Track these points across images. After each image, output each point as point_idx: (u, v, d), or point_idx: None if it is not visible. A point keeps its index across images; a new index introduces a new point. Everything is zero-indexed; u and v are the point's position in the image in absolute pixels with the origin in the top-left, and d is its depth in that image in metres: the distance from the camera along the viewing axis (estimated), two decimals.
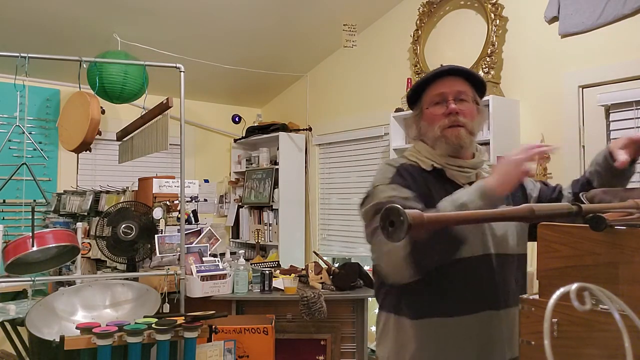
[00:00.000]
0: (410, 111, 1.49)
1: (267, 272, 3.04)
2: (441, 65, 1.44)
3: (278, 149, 4.61)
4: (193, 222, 3.30)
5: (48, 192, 4.08)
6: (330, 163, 4.62)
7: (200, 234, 3.19)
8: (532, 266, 3.00)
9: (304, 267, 3.35)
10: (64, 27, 3.56)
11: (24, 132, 2.81)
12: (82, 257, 3.26)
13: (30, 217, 2.52)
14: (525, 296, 2.07)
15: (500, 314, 1.32)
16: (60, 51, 3.04)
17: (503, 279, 1.34)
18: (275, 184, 4.59)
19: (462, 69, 1.40)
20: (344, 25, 3.85)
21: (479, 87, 1.43)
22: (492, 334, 1.31)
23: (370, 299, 2.99)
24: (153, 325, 2.07)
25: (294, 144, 4.67)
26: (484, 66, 3.14)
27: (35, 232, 2.48)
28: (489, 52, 3.14)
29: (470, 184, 1.32)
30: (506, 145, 2.98)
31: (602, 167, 1.38)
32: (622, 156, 1.28)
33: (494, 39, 3.14)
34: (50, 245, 2.55)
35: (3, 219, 3.97)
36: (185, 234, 2.91)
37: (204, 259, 3.01)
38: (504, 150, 2.95)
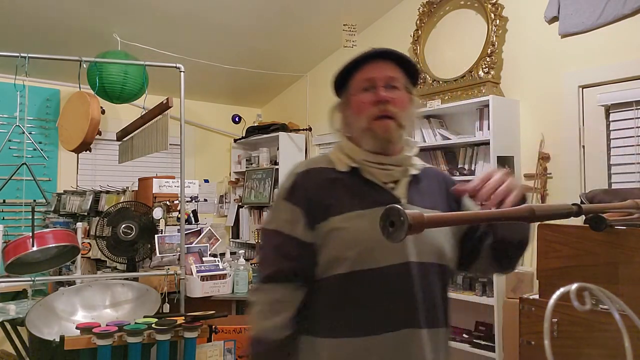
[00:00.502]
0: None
1: None
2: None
3: (278, 149, 4.61)
4: (193, 222, 3.30)
5: (48, 192, 4.08)
6: None
7: (200, 234, 3.19)
8: (531, 266, 3.02)
9: None
10: (63, 27, 3.56)
11: (24, 132, 2.82)
12: (82, 257, 3.25)
13: (30, 217, 2.52)
14: (525, 296, 2.08)
15: (422, 334, 1.12)
16: (60, 51, 3.05)
17: (426, 292, 1.14)
18: (275, 184, 4.59)
19: (394, 52, 1.24)
20: (344, 25, 3.85)
21: (413, 74, 1.27)
22: (412, 357, 1.12)
23: None
24: (153, 325, 2.07)
25: (294, 144, 4.67)
26: (484, 66, 3.14)
27: (35, 232, 2.48)
28: (489, 52, 3.14)
29: (395, 182, 1.21)
30: (506, 145, 2.98)
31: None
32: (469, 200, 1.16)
33: (494, 39, 3.14)
34: (50, 245, 2.56)
35: (3, 219, 3.97)
36: (185, 234, 2.91)
37: (204, 259, 3.01)
38: (503, 151, 2.96)
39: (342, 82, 1.27)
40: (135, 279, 2.79)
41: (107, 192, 3.68)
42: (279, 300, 1.16)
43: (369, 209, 1.15)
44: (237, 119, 5.29)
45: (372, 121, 1.18)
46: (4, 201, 4.00)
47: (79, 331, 2.01)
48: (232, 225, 5.12)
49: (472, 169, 3.14)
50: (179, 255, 2.81)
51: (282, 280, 1.17)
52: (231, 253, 3.74)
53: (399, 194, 1.19)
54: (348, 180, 1.20)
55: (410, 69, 1.26)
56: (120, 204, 3.13)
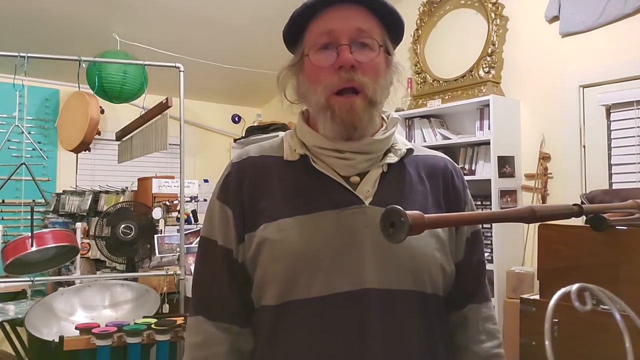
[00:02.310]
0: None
1: None
2: None
3: None
4: (193, 222, 3.29)
5: (47, 192, 4.07)
6: None
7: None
8: (532, 266, 3.02)
9: None
10: (63, 27, 3.55)
11: (23, 132, 2.81)
12: (81, 257, 3.25)
13: (30, 217, 2.51)
14: (526, 296, 2.08)
15: None
16: (59, 51, 3.04)
17: (392, 334, 0.82)
18: None
19: None
20: None
21: (393, 24, 0.89)
22: None
23: None
24: (152, 326, 2.06)
25: None
26: (484, 66, 3.14)
27: (34, 232, 2.47)
28: (489, 51, 3.14)
29: (361, 176, 0.88)
30: (507, 145, 2.97)
31: None
32: None
33: (495, 38, 3.14)
34: (50, 246, 2.55)
35: (2, 219, 3.96)
36: (185, 234, 2.91)
37: None
38: (504, 150, 2.95)
39: (296, 33, 0.90)
40: (135, 279, 2.79)
41: (107, 192, 3.67)
42: (200, 344, 0.90)
43: (313, 213, 0.85)
44: (236, 119, 5.29)
45: (331, 96, 0.84)
46: (3, 201, 3.99)
47: (78, 331, 2.00)
48: None
49: (473, 169, 3.14)
50: (179, 255, 2.80)
51: (209, 315, 0.90)
52: None
53: (363, 192, 0.86)
54: (293, 174, 0.89)
55: (389, 17, 0.88)
56: (119, 204, 3.13)
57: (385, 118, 0.95)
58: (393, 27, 0.90)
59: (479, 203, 3.03)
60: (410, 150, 0.92)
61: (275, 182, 0.89)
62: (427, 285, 0.86)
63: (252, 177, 0.90)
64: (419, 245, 0.85)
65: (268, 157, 0.93)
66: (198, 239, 3.14)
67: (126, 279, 2.70)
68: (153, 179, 3.19)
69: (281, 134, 4.53)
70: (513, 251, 2.94)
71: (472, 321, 0.95)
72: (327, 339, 0.81)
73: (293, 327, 0.83)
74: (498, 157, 2.91)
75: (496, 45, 3.14)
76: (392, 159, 0.90)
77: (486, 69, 3.13)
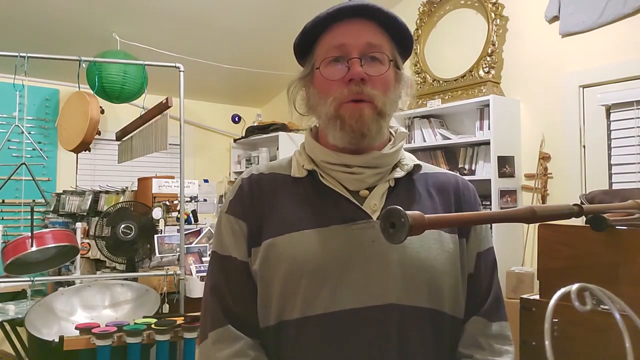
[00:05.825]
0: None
1: None
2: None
3: (278, 149, 4.60)
4: (193, 222, 3.29)
5: (47, 192, 4.08)
6: None
7: (200, 234, 3.19)
8: (532, 266, 3.02)
9: None
10: (63, 27, 3.55)
11: (23, 132, 2.81)
12: (81, 257, 3.25)
13: (30, 217, 2.51)
14: (526, 296, 2.08)
15: None
16: (59, 51, 3.04)
17: (399, 350, 0.79)
18: None
19: (377, 8, 0.88)
20: None
21: (403, 39, 0.91)
22: None
23: None
24: (152, 326, 2.06)
25: (294, 144, 4.66)
26: (484, 66, 3.14)
27: (34, 232, 2.47)
28: (489, 51, 3.14)
29: (370, 190, 0.87)
30: (507, 145, 2.97)
31: None
32: None
33: (495, 38, 3.14)
34: (50, 246, 2.55)
35: (2, 219, 3.97)
36: (185, 234, 2.91)
37: (203, 259, 3.00)
38: (504, 150, 2.95)
39: (307, 46, 0.92)
40: (135, 279, 2.79)
41: (107, 192, 3.67)
42: (239, 352, 0.84)
43: (320, 228, 0.84)
44: (236, 119, 5.29)
45: (340, 105, 0.84)
46: (3, 201, 3.99)
47: (78, 331, 2.00)
48: None
49: (473, 169, 3.14)
50: (179, 255, 2.80)
51: (227, 337, 0.85)
52: None
53: (370, 206, 0.86)
54: (301, 190, 0.89)
55: (399, 33, 0.90)
56: (119, 204, 3.13)
57: (393, 132, 0.94)
58: (403, 42, 0.91)
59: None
60: (418, 167, 0.92)
61: (282, 198, 0.88)
62: (439, 301, 0.84)
63: (260, 193, 0.90)
64: (429, 259, 0.83)
65: (277, 174, 0.93)
66: (198, 239, 3.14)
67: (126, 279, 2.70)
68: (153, 179, 3.19)
69: (282, 134, 4.55)
70: (513, 251, 2.94)
71: (470, 334, 0.88)
72: (326, 352, 0.79)
73: (293, 346, 0.80)
74: (498, 157, 2.91)
75: (496, 45, 3.14)
76: (399, 173, 0.89)
77: (486, 69, 3.13)
